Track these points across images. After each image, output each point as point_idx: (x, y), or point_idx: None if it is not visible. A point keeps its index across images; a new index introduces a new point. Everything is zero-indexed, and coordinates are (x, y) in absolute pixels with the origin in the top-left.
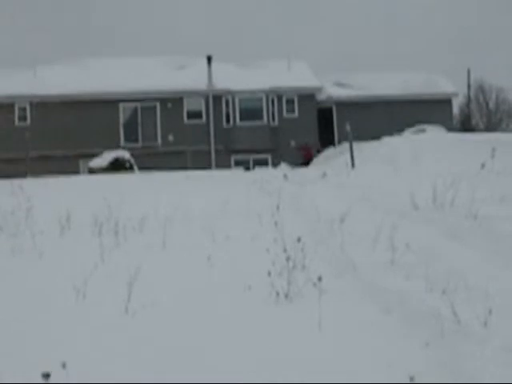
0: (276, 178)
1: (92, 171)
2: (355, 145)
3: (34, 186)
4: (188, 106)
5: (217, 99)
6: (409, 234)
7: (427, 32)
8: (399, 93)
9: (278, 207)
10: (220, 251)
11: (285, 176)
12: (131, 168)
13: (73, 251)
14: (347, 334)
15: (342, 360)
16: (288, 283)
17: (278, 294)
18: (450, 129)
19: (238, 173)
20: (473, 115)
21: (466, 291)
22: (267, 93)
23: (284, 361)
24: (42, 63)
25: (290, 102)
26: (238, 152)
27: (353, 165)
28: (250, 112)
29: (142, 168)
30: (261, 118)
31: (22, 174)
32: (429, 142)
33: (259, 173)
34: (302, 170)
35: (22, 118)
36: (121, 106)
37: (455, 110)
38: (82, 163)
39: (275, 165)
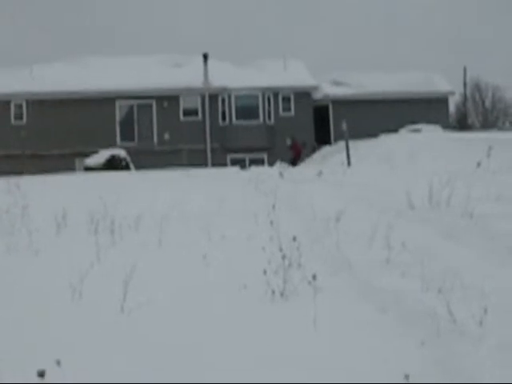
0: (272, 176)
1: (88, 169)
2: (351, 143)
3: (29, 183)
4: (184, 104)
5: (213, 97)
6: (405, 232)
7: (426, 31)
8: (396, 91)
9: (273, 206)
10: (216, 250)
11: (280, 174)
12: (127, 166)
13: (69, 249)
14: (342, 332)
15: (338, 358)
16: (284, 281)
17: (273, 292)
18: (447, 127)
19: (233, 171)
20: (469, 114)
21: (462, 290)
22: (263, 91)
23: (279, 358)
24: (41, 62)
25: (286, 100)
26: (234, 150)
27: (349, 163)
28: (246, 110)
29: (138, 166)
30: (257, 116)
31: (18, 172)
32: (425, 140)
33: (255, 171)
34: (298, 169)
35: (18, 115)
36: (117, 104)
37: (451, 108)
38: (77, 161)
39: (271, 164)
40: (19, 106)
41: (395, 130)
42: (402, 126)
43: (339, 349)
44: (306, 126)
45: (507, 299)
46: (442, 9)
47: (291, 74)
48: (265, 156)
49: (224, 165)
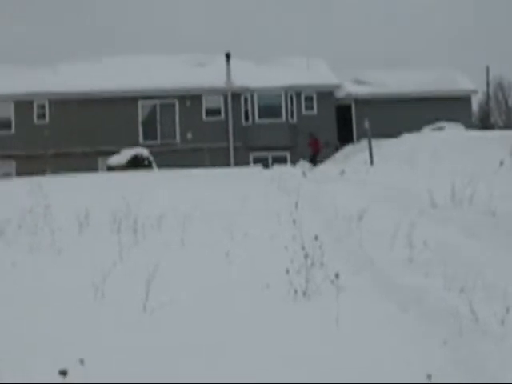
0: (294, 175)
1: (111, 169)
2: (374, 142)
3: (52, 183)
4: (207, 103)
5: (235, 97)
6: (427, 231)
7: (448, 29)
8: (418, 90)
9: (296, 205)
10: (238, 249)
11: (303, 174)
12: (150, 165)
13: (91, 249)
14: (365, 331)
15: (360, 358)
16: (306, 281)
17: (296, 291)
18: (469, 126)
19: (256, 170)
20: (492, 113)
21: (484, 289)
22: (286, 90)
23: (302, 358)
24: (63, 62)
25: (308, 99)
26: (256, 149)
27: (372, 162)
28: (269, 109)
29: (161, 165)
30: (279, 115)
31: (41, 172)
32: (448, 139)
33: (278, 170)
34: (321, 168)
35: (41, 115)
36: (140, 103)
37: (474, 107)
38: (100, 161)
39: (294, 162)
40: (42, 106)
41: (418, 129)
42: (424, 124)
43: (361, 348)
44: (329, 124)
45: None
46: (467, 7)
47: (314, 73)
48: (287, 154)
49: (247, 163)
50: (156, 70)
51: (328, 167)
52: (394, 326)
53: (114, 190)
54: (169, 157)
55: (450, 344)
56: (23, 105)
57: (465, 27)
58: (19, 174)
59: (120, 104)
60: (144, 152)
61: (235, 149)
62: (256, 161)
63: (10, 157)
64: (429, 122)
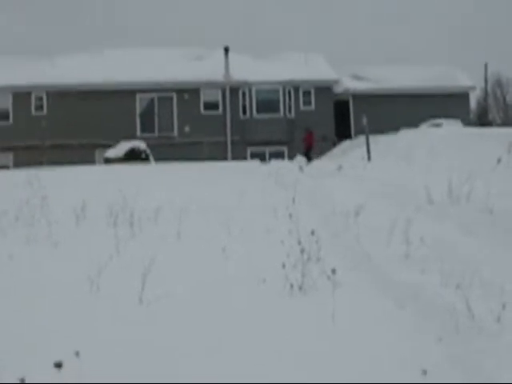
0: (291, 170)
1: (108, 161)
2: (372, 138)
3: (49, 175)
4: (205, 97)
5: (234, 91)
6: (424, 227)
7: (446, 26)
8: (416, 86)
9: (293, 200)
10: (235, 243)
11: (300, 168)
12: (147, 158)
13: (88, 241)
14: (361, 327)
15: (356, 353)
16: (302, 276)
17: (292, 286)
18: (467, 123)
19: (254, 165)
20: (490, 109)
21: (481, 286)
22: (284, 85)
23: (298, 353)
24: (61, 53)
25: (306, 94)
26: (254, 144)
27: (369, 158)
28: (267, 104)
29: (158, 159)
30: (277, 110)
31: (38, 163)
32: (445, 135)
33: (275, 165)
34: (318, 163)
35: (39, 107)
36: (138, 96)
37: (472, 104)
38: (97, 153)
39: (291, 157)
40: (40, 98)
41: (416, 125)
42: (422, 120)
43: (357, 344)
44: (327, 120)
45: None
46: (466, 4)
47: (312, 68)
48: (285, 149)
49: (244, 158)
50: (154, 63)
51: (325, 162)
52: (391, 322)
53: (111, 183)
54: (166, 150)
55: (446, 340)
56: (21, 96)
57: (463, 24)
58: (16, 165)
59: (118, 97)
60: (141, 145)
61: (233, 143)
62: (253, 155)
63: (7, 148)
64: (427, 118)
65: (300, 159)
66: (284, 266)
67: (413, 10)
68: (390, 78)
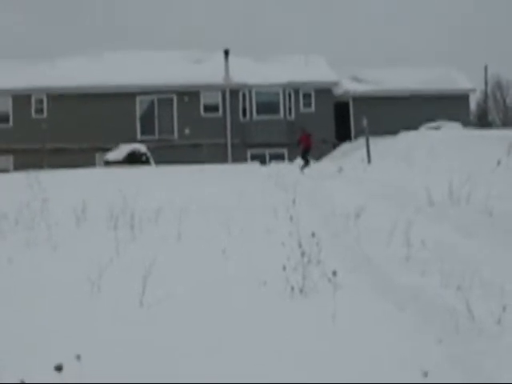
0: (292, 172)
1: (108, 164)
2: (372, 140)
3: (50, 178)
4: (205, 99)
5: (233, 93)
6: (424, 229)
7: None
8: (416, 88)
9: (293, 202)
10: (235, 244)
11: (301, 170)
12: (147, 161)
13: (88, 244)
14: (361, 329)
15: (356, 355)
16: (303, 278)
17: (292, 288)
18: (467, 125)
19: (253, 167)
20: (489, 111)
21: (481, 287)
22: (284, 87)
23: (298, 354)
24: (61, 56)
25: (306, 96)
26: (254, 146)
27: (369, 160)
28: (267, 106)
29: (159, 161)
30: (277, 112)
31: (38, 166)
32: (445, 137)
33: (275, 167)
34: (319, 165)
35: (39, 110)
36: (138, 98)
37: (472, 105)
38: (98, 156)
39: (291, 159)
40: (40, 101)
41: (415, 127)
42: (422, 123)
43: (358, 345)
44: (327, 122)
45: None
46: (466, 5)
47: (312, 70)
48: (285, 152)
49: (244, 160)
50: (154, 65)
51: (326, 164)
52: (391, 323)
53: (111, 185)
54: (166, 152)
55: (447, 342)
56: (21, 99)
57: (463, 24)
58: (17, 168)
59: (118, 99)
60: (141, 148)
61: (233, 145)
62: (253, 157)
63: (7, 151)
64: (427, 120)
65: (300, 161)
66: (285, 268)
67: (413, 10)
68: (390, 80)
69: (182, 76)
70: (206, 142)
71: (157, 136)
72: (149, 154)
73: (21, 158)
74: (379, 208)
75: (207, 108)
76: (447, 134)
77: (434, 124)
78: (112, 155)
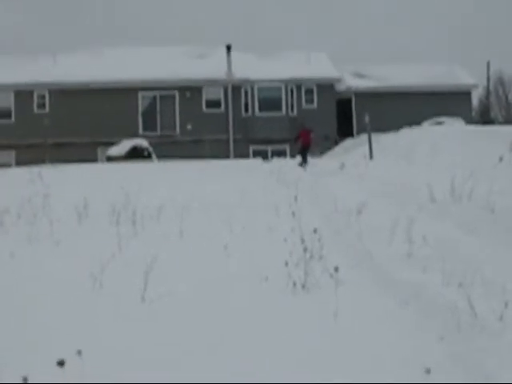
0: (293, 168)
1: (110, 159)
2: (374, 136)
3: (51, 173)
4: (207, 95)
5: (236, 89)
6: (426, 226)
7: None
8: (419, 84)
9: (295, 198)
10: (237, 241)
11: (303, 167)
12: (149, 156)
13: (90, 240)
14: (363, 325)
15: (358, 352)
16: (305, 274)
17: (295, 284)
18: (470, 121)
19: (256, 163)
20: (492, 108)
21: (483, 284)
22: (286, 83)
23: (300, 351)
24: (64, 51)
25: (309, 92)
26: (256, 142)
27: (371, 156)
28: (269, 102)
29: (160, 156)
30: (280, 108)
31: (41, 162)
32: (447, 133)
33: (277, 163)
34: (321, 162)
35: (41, 105)
36: (140, 94)
37: (474, 102)
38: (100, 151)
39: (293, 156)
40: (42, 96)
41: (418, 123)
42: (424, 119)
43: (359, 342)
44: (329, 118)
45: None
46: (468, 2)
47: (314, 66)
48: (287, 148)
49: (246, 156)
50: (156, 61)
51: (327, 161)
52: (393, 320)
53: (113, 181)
54: (168, 148)
55: (448, 339)
56: (23, 94)
57: (466, 22)
58: (18, 163)
59: (120, 95)
60: (143, 143)
61: (235, 141)
62: (255, 153)
63: (9, 146)
64: (429, 116)
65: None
66: (287, 264)
67: (413, 10)
68: (393, 76)
69: (183, 71)
70: (207, 138)
71: (159, 132)
72: (151, 150)
73: (23, 154)
74: (381, 205)
75: (209, 104)
76: (449, 130)
77: (436, 120)
78: (114, 150)
